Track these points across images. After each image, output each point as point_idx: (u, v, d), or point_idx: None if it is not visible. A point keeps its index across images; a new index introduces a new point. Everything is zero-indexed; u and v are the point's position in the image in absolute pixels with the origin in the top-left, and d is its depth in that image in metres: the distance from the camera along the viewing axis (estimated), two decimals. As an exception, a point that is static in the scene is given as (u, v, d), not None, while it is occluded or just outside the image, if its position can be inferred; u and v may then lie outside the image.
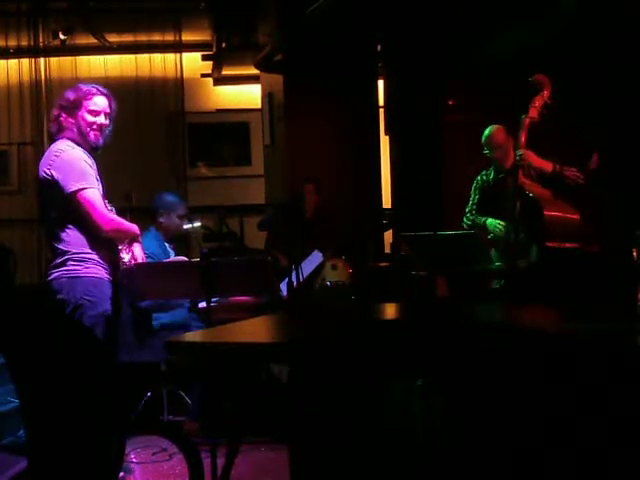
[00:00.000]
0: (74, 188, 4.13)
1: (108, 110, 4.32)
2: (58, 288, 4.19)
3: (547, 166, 5.23)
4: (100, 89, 4.33)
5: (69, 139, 4.25)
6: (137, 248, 4.34)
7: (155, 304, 5.30)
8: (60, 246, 4.20)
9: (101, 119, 4.29)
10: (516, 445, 2.45)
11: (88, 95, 4.28)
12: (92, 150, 4.30)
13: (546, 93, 5.14)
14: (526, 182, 5.20)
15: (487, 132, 5.58)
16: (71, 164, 4.17)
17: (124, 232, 4.31)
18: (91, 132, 4.26)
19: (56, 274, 4.20)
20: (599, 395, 2.31)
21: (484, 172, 5.73)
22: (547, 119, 5.17)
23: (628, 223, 4.59)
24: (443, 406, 2.53)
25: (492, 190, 5.61)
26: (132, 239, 4.33)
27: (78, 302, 4.13)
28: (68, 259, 4.18)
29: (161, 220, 5.63)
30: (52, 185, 4.17)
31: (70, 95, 4.29)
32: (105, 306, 4.20)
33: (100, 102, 4.30)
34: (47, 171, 4.18)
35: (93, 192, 4.18)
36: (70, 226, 4.19)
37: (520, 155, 5.13)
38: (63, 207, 4.18)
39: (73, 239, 4.19)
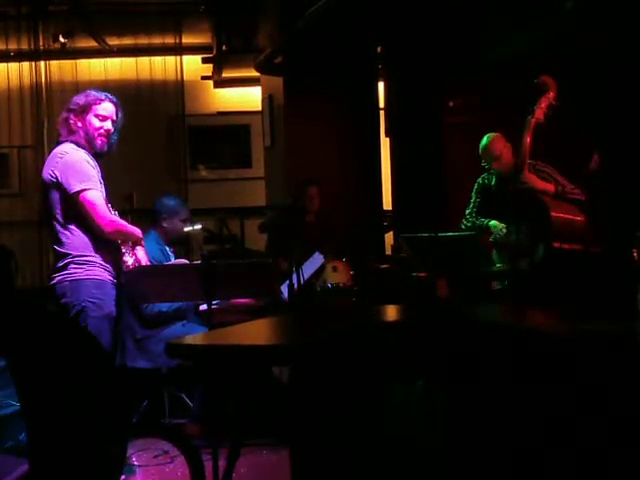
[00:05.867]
0: (77, 189, 4.15)
1: (115, 117, 4.36)
2: (61, 292, 4.19)
3: (549, 188, 5.25)
4: (109, 96, 4.38)
5: (74, 142, 4.27)
6: (140, 251, 4.34)
7: (158, 316, 5.25)
8: (62, 249, 4.21)
9: (108, 125, 4.33)
10: (517, 445, 2.45)
11: (97, 100, 4.33)
12: (96, 156, 4.32)
13: (552, 94, 5.15)
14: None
15: (484, 142, 5.55)
16: (74, 165, 4.18)
17: (126, 234, 4.32)
18: (98, 137, 4.30)
19: (58, 278, 4.21)
20: (599, 395, 2.31)
21: (485, 175, 5.70)
22: (549, 120, 5.18)
23: (628, 223, 4.60)
24: (443, 407, 2.53)
25: (494, 195, 5.60)
26: (135, 242, 4.34)
27: (82, 305, 4.13)
28: (70, 262, 4.18)
29: (164, 224, 5.60)
30: (56, 186, 4.19)
31: (80, 99, 4.33)
32: (110, 308, 4.21)
33: (108, 108, 4.35)
34: (52, 172, 4.19)
35: (95, 193, 4.19)
36: (72, 228, 4.20)
37: (521, 180, 5.14)
38: (66, 208, 4.20)
39: (75, 241, 4.20)
